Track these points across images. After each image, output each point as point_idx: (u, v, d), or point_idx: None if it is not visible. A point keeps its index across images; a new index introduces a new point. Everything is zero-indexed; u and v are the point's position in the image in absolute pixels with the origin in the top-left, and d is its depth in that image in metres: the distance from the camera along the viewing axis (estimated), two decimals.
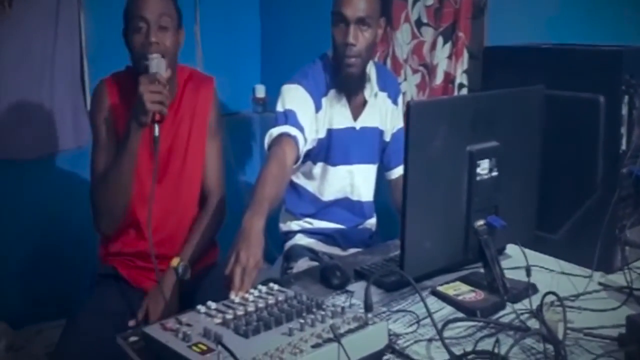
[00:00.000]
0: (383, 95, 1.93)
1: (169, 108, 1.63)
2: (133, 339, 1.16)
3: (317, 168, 1.91)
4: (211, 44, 2.91)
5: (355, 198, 1.96)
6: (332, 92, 1.84)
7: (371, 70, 1.88)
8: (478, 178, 1.28)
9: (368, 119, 1.90)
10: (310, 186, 1.95)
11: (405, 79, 2.32)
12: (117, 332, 1.21)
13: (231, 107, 3.04)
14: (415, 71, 2.29)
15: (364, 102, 1.89)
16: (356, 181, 1.94)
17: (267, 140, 1.71)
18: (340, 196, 1.94)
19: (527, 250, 1.39)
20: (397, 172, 1.98)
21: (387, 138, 1.98)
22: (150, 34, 1.60)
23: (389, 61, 2.34)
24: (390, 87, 1.96)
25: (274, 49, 3.06)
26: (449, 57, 2.14)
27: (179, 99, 1.75)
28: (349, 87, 1.83)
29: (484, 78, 1.66)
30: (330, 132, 1.86)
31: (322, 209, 1.96)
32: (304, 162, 1.86)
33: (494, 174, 1.31)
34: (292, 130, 1.69)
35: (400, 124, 1.98)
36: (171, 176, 1.73)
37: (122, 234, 1.75)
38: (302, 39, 2.85)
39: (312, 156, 1.89)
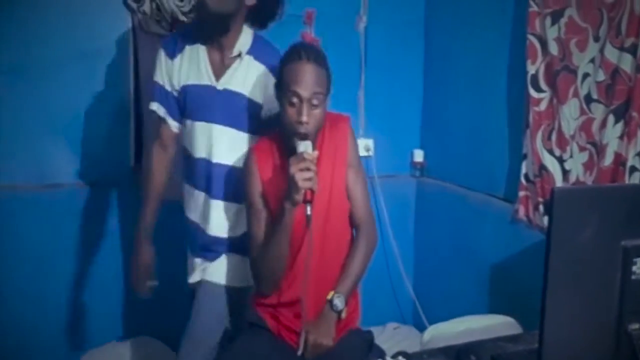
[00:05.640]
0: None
1: None
2: None
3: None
4: (373, 107, 3.00)
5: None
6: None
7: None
8: (634, 277, 1.16)
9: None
10: None
11: (571, 156, 2.18)
12: None
13: (389, 169, 3.09)
14: (582, 149, 2.14)
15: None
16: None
17: None
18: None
19: None
20: None
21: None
22: (302, 113, 1.66)
23: (554, 135, 2.23)
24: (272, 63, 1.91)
25: (435, 114, 3.07)
26: (621, 138, 1.98)
27: (320, 141, 1.81)
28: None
29: None
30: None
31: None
32: None
33: None
34: None
35: None
36: (319, 218, 1.77)
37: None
38: (463, 108, 2.83)
39: None
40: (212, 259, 2.03)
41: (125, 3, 2.50)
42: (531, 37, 2.25)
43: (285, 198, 1.66)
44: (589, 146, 2.12)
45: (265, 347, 1.79)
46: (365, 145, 2.96)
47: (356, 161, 1.86)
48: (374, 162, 3.00)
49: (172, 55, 1.95)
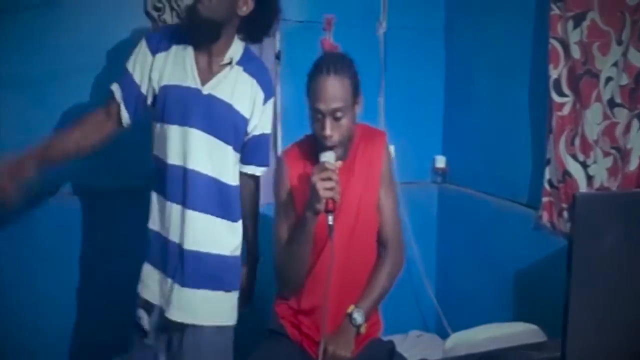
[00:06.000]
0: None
1: (343, 162, 1.76)
2: None
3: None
4: (394, 113, 2.98)
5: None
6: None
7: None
8: None
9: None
10: None
11: (595, 162, 2.15)
12: None
13: (410, 175, 3.06)
14: (606, 154, 2.11)
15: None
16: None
17: None
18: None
19: None
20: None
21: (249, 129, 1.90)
22: (325, 127, 1.70)
23: (577, 140, 2.20)
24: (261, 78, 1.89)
25: (457, 120, 3.05)
26: None
27: (353, 155, 1.82)
28: None
29: None
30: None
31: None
32: None
33: None
34: None
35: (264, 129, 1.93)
36: (345, 230, 1.78)
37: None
38: (485, 113, 2.80)
39: None
40: (186, 284, 1.84)
41: (146, 12, 2.52)
42: (553, 41, 2.22)
43: (307, 207, 1.67)
44: (613, 151, 2.09)
45: (285, 355, 1.79)
46: None
47: (389, 179, 1.87)
48: (395, 168, 2.98)
49: (154, 50, 1.85)
